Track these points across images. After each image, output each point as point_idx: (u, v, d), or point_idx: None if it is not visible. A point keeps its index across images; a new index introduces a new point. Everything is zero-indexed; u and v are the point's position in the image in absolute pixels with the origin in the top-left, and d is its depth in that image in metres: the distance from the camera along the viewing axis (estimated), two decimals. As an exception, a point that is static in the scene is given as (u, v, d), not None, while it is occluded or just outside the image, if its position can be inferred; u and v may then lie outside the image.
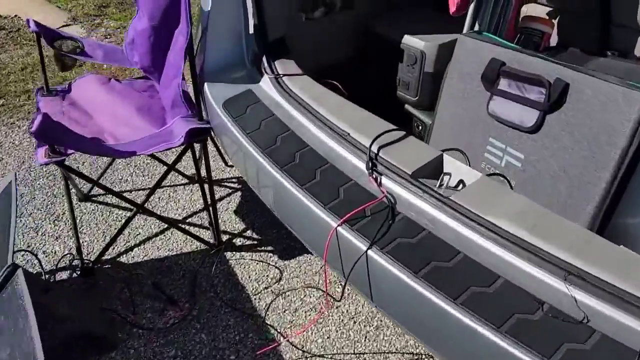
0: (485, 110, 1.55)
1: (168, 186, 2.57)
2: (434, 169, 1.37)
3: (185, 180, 2.58)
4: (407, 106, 2.02)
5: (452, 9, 1.59)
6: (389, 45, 1.97)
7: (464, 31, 1.74)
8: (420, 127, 1.96)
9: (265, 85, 1.76)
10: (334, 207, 1.30)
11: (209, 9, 1.73)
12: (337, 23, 2.02)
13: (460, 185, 1.33)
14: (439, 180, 1.31)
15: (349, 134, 1.46)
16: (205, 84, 1.79)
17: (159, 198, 2.48)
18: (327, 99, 1.62)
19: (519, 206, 1.19)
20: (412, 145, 1.42)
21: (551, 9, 1.86)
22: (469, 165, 1.47)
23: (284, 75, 1.72)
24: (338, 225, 1.26)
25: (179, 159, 1.92)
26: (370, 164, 1.37)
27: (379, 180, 1.35)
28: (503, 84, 1.49)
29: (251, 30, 1.78)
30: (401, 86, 1.97)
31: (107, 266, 2.11)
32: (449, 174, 1.31)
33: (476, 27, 1.69)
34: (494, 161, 1.55)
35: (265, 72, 1.76)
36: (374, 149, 1.39)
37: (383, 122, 1.50)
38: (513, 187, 1.48)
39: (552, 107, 1.35)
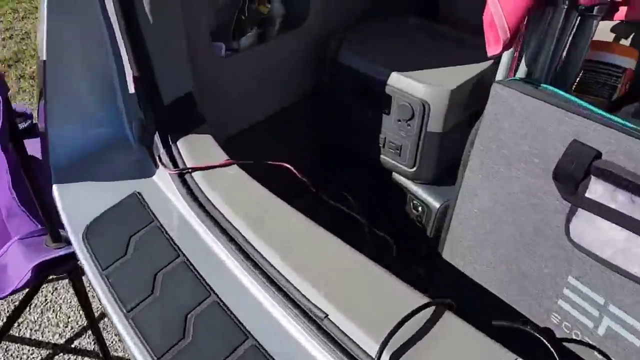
0: (563, 230, 0.87)
1: (47, 281, 1.76)
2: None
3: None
4: (396, 176, 1.31)
5: (495, 48, 0.88)
6: (360, 84, 1.24)
7: (499, 76, 1.04)
8: (420, 209, 1.27)
9: (164, 186, 1.00)
10: None
11: (45, 57, 0.93)
12: (278, 52, 1.25)
13: None
14: None
15: (327, 315, 0.75)
16: (55, 188, 1.00)
17: (33, 306, 1.68)
18: (277, 219, 0.88)
19: None
20: (451, 345, 0.72)
21: (617, 22, 1.18)
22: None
23: (194, 169, 0.96)
24: None
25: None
26: (380, 405, 0.67)
27: None
28: (599, 192, 0.82)
29: (131, 88, 1.00)
30: (387, 149, 1.26)
31: None
32: None
33: (520, 71, 0.99)
34: (580, 320, 0.88)
35: (162, 163, 0.99)
36: (385, 360, 0.69)
37: (391, 281, 0.79)
38: (627, 380, 0.83)
39: None
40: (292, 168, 1.07)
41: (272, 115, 1.30)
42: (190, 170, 0.96)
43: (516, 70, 1.02)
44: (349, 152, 1.38)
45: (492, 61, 1.20)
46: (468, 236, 1.06)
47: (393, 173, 1.31)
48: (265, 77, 1.24)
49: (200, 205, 0.92)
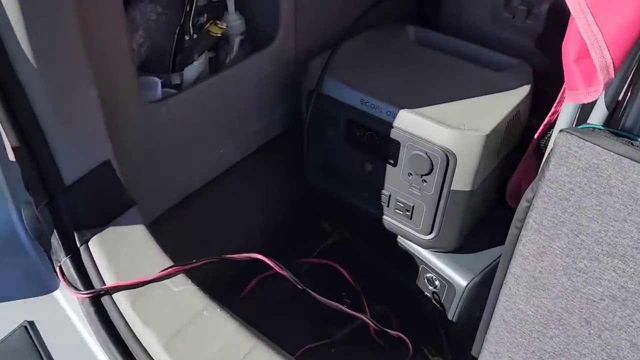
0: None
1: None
2: None
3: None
4: (402, 240, 0.99)
5: (585, 93, 0.55)
6: (353, 124, 0.91)
7: (564, 122, 0.73)
8: (437, 285, 0.96)
9: (72, 310, 0.65)
10: None
11: None
12: (238, 83, 0.89)
13: None
14: None
15: None
16: None
17: None
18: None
19: None
20: None
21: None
22: None
23: (117, 288, 0.62)
24: None
25: None
26: None
27: None
28: None
29: (11, 156, 0.64)
30: (394, 210, 0.94)
31: None
32: None
33: (595, 115, 0.68)
34: None
35: (65, 279, 0.64)
36: None
37: None
38: None
39: None
40: (266, 260, 0.74)
41: (230, 169, 0.94)
42: (109, 291, 0.61)
43: (584, 114, 0.72)
44: (340, 209, 1.05)
45: (528, 87, 0.90)
46: (521, 347, 0.76)
47: (398, 237, 0.99)
48: (221, 120, 0.89)
49: (129, 355, 0.58)
